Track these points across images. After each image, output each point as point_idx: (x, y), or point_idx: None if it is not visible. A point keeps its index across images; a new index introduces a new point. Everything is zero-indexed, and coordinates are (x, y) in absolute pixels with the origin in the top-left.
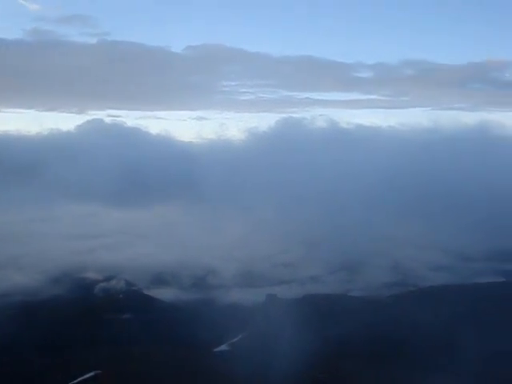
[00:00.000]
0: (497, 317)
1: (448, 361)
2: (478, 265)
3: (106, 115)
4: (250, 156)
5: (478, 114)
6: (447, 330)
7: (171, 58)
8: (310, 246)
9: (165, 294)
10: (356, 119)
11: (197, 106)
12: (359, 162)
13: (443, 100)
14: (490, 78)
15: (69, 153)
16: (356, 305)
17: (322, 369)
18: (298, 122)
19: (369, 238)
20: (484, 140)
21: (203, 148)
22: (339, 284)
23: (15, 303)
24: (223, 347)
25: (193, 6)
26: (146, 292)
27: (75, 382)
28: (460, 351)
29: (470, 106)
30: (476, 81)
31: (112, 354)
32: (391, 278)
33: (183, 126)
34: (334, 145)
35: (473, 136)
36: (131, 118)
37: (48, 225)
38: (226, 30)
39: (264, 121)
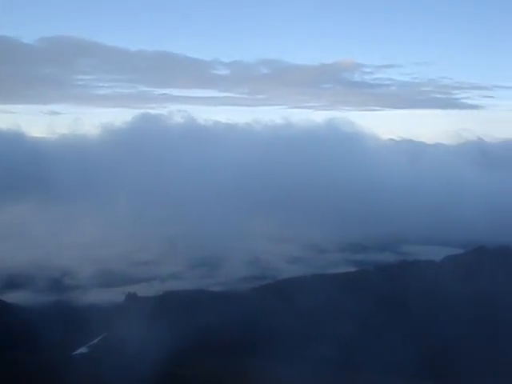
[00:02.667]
0: (351, 305)
1: (307, 350)
2: (332, 256)
3: None
4: (105, 152)
5: (329, 112)
6: (305, 320)
7: (22, 49)
8: (169, 242)
9: (18, 297)
10: (214, 116)
11: (49, 99)
12: (216, 158)
13: (297, 98)
14: (341, 78)
15: None
16: (217, 300)
17: (184, 365)
18: (155, 118)
19: (227, 233)
20: (333, 137)
21: (56, 144)
22: (199, 280)
23: None
24: (82, 350)
25: None
26: None
27: None
28: (318, 340)
29: (322, 105)
30: (328, 81)
31: None
32: (250, 271)
33: (35, 120)
34: (191, 141)
35: (323, 133)
36: None
37: None
38: (81, 22)
39: (120, 116)
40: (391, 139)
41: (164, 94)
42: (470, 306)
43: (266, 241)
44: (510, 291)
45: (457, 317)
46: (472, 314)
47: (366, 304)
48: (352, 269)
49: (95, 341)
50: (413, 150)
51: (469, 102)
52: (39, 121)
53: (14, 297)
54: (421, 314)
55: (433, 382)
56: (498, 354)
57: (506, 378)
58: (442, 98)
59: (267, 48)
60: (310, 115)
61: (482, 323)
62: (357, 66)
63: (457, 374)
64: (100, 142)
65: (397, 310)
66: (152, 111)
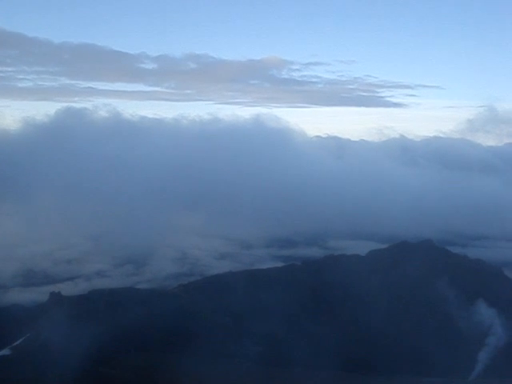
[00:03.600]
0: (279, 300)
1: (234, 347)
2: (260, 251)
3: None
4: (26, 147)
5: (256, 108)
6: (233, 316)
7: None
8: (94, 240)
9: None
10: (140, 111)
11: None
12: (143, 154)
13: (224, 94)
14: (268, 74)
15: None
16: (144, 297)
17: (110, 364)
18: (80, 112)
19: (154, 229)
20: (260, 133)
21: None
22: (126, 277)
23: None
24: (4, 351)
25: None
26: None
27: None
28: (245, 336)
29: (250, 101)
30: (255, 77)
31: None
32: (178, 268)
33: None
34: (117, 136)
35: (250, 129)
36: None
37: None
38: (1, 11)
39: (43, 110)
40: (318, 136)
41: (89, 87)
42: (393, 298)
43: (193, 237)
44: (432, 284)
45: (381, 310)
46: (396, 307)
47: (294, 299)
48: (279, 264)
49: (18, 342)
50: (339, 147)
51: (393, 100)
52: None
53: None
54: (347, 307)
55: (358, 375)
56: (421, 346)
57: (428, 368)
58: (366, 96)
59: (195, 43)
60: (237, 111)
61: (406, 316)
62: (284, 63)
63: (382, 367)
64: (21, 137)
65: (324, 305)
66: (76, 105)
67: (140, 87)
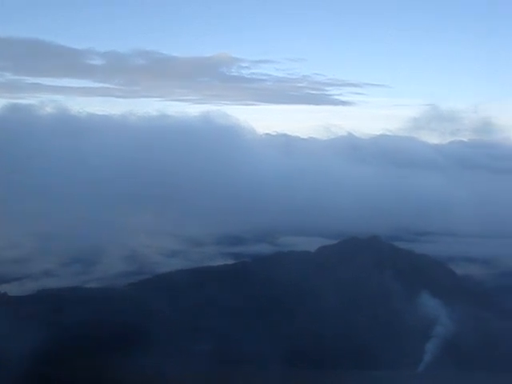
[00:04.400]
0: (229, 298)
1: (185, 345)
2: (209, 249)
3: None
4: None
5: (205, 106)
6: (183, 314)
7: None
8: (41, 239)
9: None
10: (88, 107)
11: None
12: (90, 151)
13: (173, 91)
14: (218, 72)
15: None
16: (92, 296)
17: (57, 364)
18: (25, 109)
19: (102, 227)
20: (210, 130)
21: None
22: (74, 276)
23: None
24: None
25: None
26: None
27: None
28: (196, 335)
29: (199, 98)
30: (205, 74)
31: None
32: (127, 266)
33: None
34: (64, 133)
35: (199, 126)
36: None
37: None
38: None
39: None
40: (267, 133)
41: (35, 83)
42: (342, 294)
43: (142, 235)
44: (379, 278)
45: (330, 305)
46: (344, 302)
47: (244, 296)
48: (229, 261)
49: None
50: (288, 144)
51: (341, 98)
52: None
53: None
54: (297, 303)
55: (308, 371)
56: (369, 339)
57: (377, 361)
58: (315, 94)
59: (144, 39)
60: (186, 108)
61: (354, 311)
62: (234, 61)
63: (331, 362)
64: None
65: (274, 301)
66: (22, 101)
67: (88, 83)
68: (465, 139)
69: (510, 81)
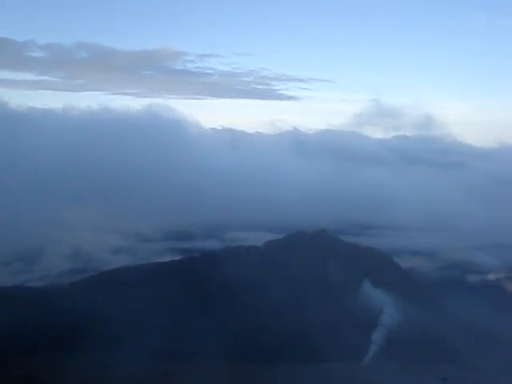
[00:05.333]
0: (176, 293)
1: (132, 342)
2: (157, 245)
3: None
4: None
5: (150, 99)
6: (130, 312)
7: None
8: None
9: None
10: (28, 101)
11: None
12: (30, 146)
13: (117, 85)
14: (163, 65)
15: None
16: (35, 295)
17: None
18: None
19: (44, 225)
20: (154, 124)
21: None
22: (15, 275)
23: None
24: None
25: None
26: None
27: None
28: (143, 332)
29: (143, 92)
30: (149, 68)
31: None
32: (71, 264)
33: None
34: (3, 127)
35: (143, 120)
36: None
37: None
38: None
39: None
40: (213, 128)
41: None
42: (290, 288)
43: (86, 232)
44: (326, 272)
45: (279, 300)
46: (292, 297)
47: (192, 292)
48: (177, 257)
49: None
50: (233, 139)
51: (287, 93)
52: None
53: None
54: (246, 298)
55: (256, 365)
56: (317, 332)
57: (325, 353)
58: (261, 89)
59: (86, 31)
60: (130, 102)
61: (302, 304)
62: (179, 54)
63: (280, 355)
64: None
65: (223, 297)
66: None
67: (28, 76)
68: (408, 134)
69: (450, 76)
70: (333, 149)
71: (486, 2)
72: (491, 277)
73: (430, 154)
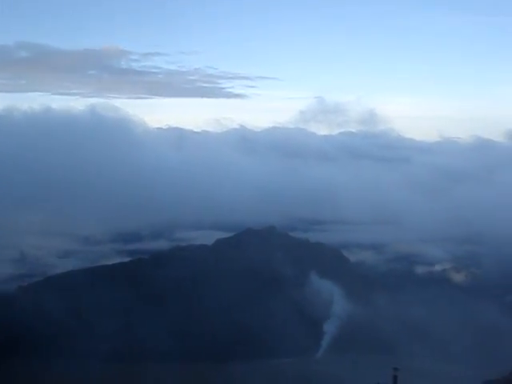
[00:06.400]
0: (126, 296)
1: (78, 346)
2: (105, 247)
3: None
4: None
5: (94, 99)
6: (78, 315)
7: None
8: None
9: None
10: None
11: None
12: None
13: (60, 85)
14: (107, 64)
15: None
16: None
17: None
18: None
19: None
20: (99, 124)
21: None
22: None
23: None
24: None
25: None
26: None
27: None
28: (93, 333)
29: (87, 92)
30: (93, 67)
31: None
32: (17, 269)
33: None
34: None
35: (87, 120)
36: None
37: None
38: None
39: None
40: (159, 128)
41: None
42: (241, 285)
43: (32, 236)
44: (277, 267)
45: (231, 297)
46: (244, 293)
47: (141, 293)
48: (126, 259)
49: None
50: (180, 138)
51: (233, 91)
52: None
53: None
54: (197, 298)
55: (211, 364)
56: (270, 328)
57: (281, 348)
58: (208, 87)
59: (28, 31)
60: (74, 102)
61: (254, 300)
62: (123, 53)
63: (234, 353)
64: None
65: (174, 297)
66: None
67: None
68: (353, 130)
69: (392, 72)
70: (280, 146)
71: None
72: (437, 268)
73: (375, 149)
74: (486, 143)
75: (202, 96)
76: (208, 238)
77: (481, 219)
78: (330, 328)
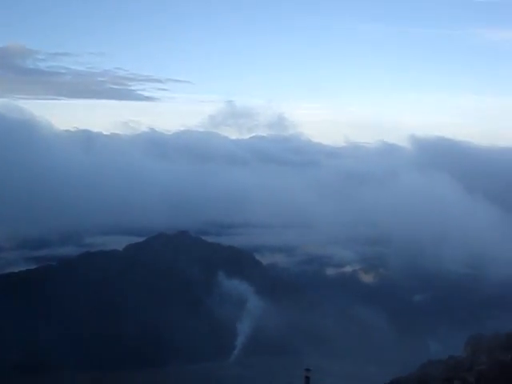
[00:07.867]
0: (34, 303)
1: None
2: (10, 254)
3: None
4: None
5: None
6: None
7: None
8: None
9: None
10: None
11: None
12: None
13: None
14: (12, 64)
15: None
16: None
17: None
18: None
19: None
20: (1, 126)
21: None
22: None
23: None
24: None
25: None
26: None
27: None
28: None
29: None
30: None
31: None
32: None
33: None
34: None
35: None
36: None
37: None
38: None
39: None
40: (67, 130)
41: None
42: (153, 290)
43: None
44: (189, 272)
45: (142, 303)
46: (156, 299)
47: (50, 302)
48: (33, 266)
49: None
50: (89, 141)
51: (144, 93)
52: None
53: None
54: (106, 305)
55: (124, 372)
56: (184, 333)
57: (196, 352)
58: (118, 89)
59: None
60: None
61: (166, 306)
62: (29, 52)
63: (144, 362)
64: None
65: (81, 306)
66: None
67: None
68: (264, 134)
69: (301, 77)
70: (191, 149)
71: (342, 8)
72: (347, 269)
73: (285, 153)
74: (390, 147)
75: (112, 98)
76: (119, 243)
77: (387, 221)
78: (243, 328)
